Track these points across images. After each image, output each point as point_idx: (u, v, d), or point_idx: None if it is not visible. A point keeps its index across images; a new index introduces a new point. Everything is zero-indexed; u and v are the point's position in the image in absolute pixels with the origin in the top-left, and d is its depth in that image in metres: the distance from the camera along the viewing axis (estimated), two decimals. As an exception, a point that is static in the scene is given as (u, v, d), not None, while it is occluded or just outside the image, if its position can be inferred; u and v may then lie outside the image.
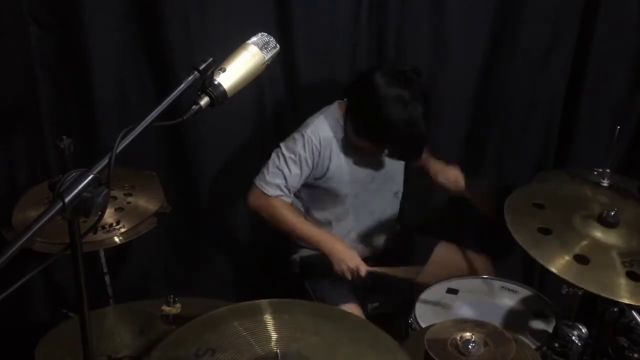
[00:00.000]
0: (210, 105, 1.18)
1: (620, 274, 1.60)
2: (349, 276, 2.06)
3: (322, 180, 2.20)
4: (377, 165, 2.25)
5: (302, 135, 2.13)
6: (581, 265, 1.63)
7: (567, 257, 1.64)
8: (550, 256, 1.64)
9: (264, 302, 1.53)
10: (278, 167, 2.13)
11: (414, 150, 2.17)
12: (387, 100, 2.01)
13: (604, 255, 1.66)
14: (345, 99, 2.20)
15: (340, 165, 2.19)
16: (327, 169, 2.18)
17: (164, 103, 1.11)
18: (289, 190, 2.15)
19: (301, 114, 2.45)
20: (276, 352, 1.34)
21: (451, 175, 2.32)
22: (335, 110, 2.20)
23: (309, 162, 2.13)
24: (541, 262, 1.62)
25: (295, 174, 2.13)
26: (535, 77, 2.60)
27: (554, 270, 1.60)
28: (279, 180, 2.13)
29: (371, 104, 2.04)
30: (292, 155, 2.12)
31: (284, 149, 2.14)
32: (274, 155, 2.15)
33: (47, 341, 1.77)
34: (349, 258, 2.06)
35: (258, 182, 2.15)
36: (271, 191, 2.13)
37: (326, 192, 2.24)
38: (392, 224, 2.40)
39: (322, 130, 2.15)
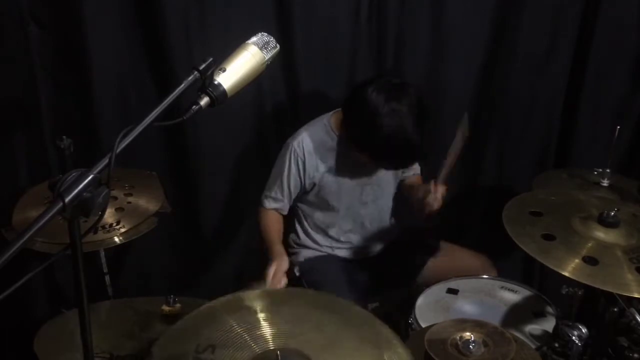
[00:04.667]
0: (210, 105, 1.18)
1: (630, 271, 1.60)
2: (267, 278, 2.00)
3: (312, 192, 2.24)
4: (369, 176, 2.25)
5: (288, 147, 2.18)
6: (591, 267, 1.62)
7: (576, 260, 1.64)
8: (561, 261, 1.64)
9: (263, 292, 1.52)
10: (272, 179, 2.23)
11: (405, 159, 2.17)
12: (377, 110, 1.98)
13: (610, 255, 1.67)
14: (341, 109, 2.20)
15: (329, 177, 2.21)
16: (315, 180, 2.21)
17: (164, 103, 1.11)
18: (283, 201, 2.23)
19: (301, 114, 2.46)
20: (276, 352, 1.33)
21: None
22: (328, 121, 2.20)
23: (295, 173, 2.18)
24: (553, 268, 1.62)
25: (285, 186, 2.21)
26: (535, 77, 2.60)
27: (566, 274, 1.60)
28: (272, 192, 2.23)
29: (362, 115, 2.02)
30: (282, 167, 2.19)
31: (277, 161, 2.22)
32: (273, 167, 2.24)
33: (46, 336, 1.77)
34: (274, 268, 2.01)
35: (262, 195, 2.25)
36: (267, 204, 2.24)
37: (318, 202, 2.27)
38: (388, 229, 2.41)
39: (308, 143, 2.17)
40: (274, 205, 2.24)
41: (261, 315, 1.44)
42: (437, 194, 2.09)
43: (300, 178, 2.19)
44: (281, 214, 2.27)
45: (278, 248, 2.13)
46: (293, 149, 2.16)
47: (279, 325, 1.42)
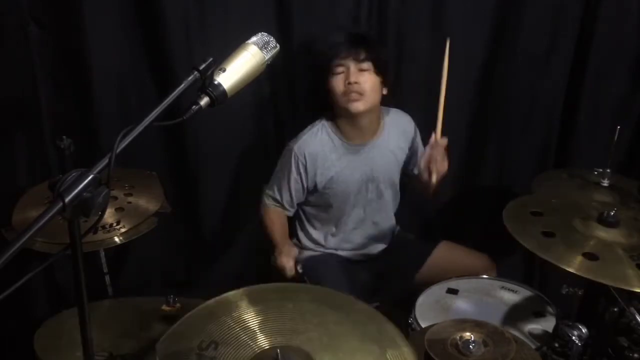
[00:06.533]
0: (210, 105, 1.18)
1: (630, 267, 1.61)
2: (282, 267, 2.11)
3: (316, 194, 2.25)
4: (372, 172, 2.26)
5: (291, 151, 2.20)
6: (592, 262, 1.64)
7: (576, 255, 1.65)
8: (560, 255, 1.65)
9: (267, 287, 1.53)
10: (275, 181, 2.26)
11: (350, 39, 2.16)
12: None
13: (610, 252, 1.68)
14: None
15: (332, 178, 2.22)
16: (317, 183, 2.22)
17: (163, 103, 1.11)
18: (282, 203, 2.26)
19: (301, 114, 2.45)
20: (276, 350, 1.33)
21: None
22: (325, 122, 2.24)
23: (297, 178, 2.21)
24: (552, 261, 1.62)
25: (285, 190, 2.24)
26: (535, 77, 2.60)
27: (566, 268, 1.60)
28: (274, 193, 2.27)
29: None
30: (284, 171, 2.22)
31: (279, 163, 2.25)
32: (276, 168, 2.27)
33: (46, 334, 1.78)
34: (285, 256, 2.12)
35: (263, 193, 2.29)
36: (267, 202, 2.28)
37: (322, 203, 2.28)
38: (390, 229, 2.41)
39: (309, 146, 2.19)
40: (273, 204, 2.27)
41: (264, 312, 1.44)
42: (439, 146, 2.12)
43: (302, 182, 2.21)
44: (284, 212, 2.30)
45: (283, 240, 2.21)
46: (295, 153, 2.18)
47: (282, 322, 1.42)
